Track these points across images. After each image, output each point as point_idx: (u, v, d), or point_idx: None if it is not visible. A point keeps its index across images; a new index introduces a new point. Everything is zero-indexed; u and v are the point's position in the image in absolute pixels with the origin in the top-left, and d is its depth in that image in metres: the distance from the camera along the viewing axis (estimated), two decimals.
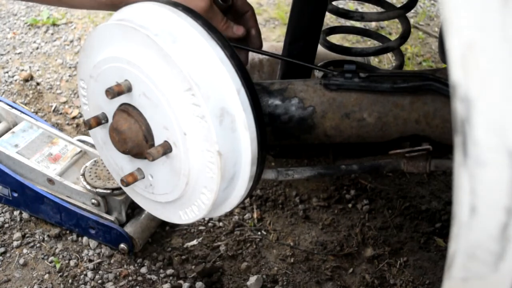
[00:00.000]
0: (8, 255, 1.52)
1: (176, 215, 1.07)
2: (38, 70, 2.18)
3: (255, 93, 0.95)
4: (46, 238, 1.57)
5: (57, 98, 2.06)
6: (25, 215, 1.62)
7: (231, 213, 1.66)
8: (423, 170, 1.21)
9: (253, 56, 1.70)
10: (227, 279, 1.49)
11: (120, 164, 1.09)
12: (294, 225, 1.64)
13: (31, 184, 1.56)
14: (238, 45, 1.20)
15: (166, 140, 0.96)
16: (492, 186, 0.53)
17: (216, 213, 1.08)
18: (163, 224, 1.60)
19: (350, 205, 1.70)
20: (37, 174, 1.56)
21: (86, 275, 1.48)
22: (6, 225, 1.60)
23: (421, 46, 2.44)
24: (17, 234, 1.56)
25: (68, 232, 1.58)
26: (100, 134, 1.11)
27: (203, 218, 1.51)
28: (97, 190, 1.49)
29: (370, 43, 2.37)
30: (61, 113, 1.99)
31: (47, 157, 1.59)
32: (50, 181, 1.55)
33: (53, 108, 2.01)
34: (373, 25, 2.52)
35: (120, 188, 1.46)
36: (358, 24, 2.24)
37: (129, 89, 0.97)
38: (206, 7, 1.06)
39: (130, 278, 1.48)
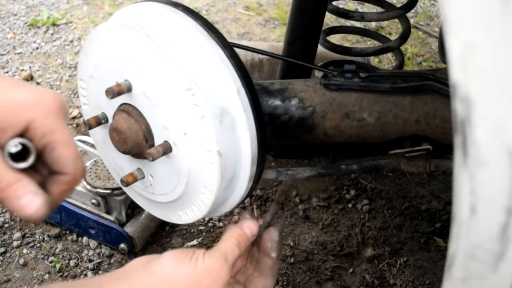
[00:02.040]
0: (8, 255, 1.52)
1: (176, 215, 1.07)
2: (38, 70, 2.18)
3: (255, 93, 0.95)
4: (46, 238, 1.56)
5: None
6: None
7: (231, 213, 1.66)
8: (423, 170, 1.21)
9: (253, 56, 1.70)
10: None
11: (120, 164, 1.09)
12: (294, 225, 1.64)
13: None
14: (238, 44, 1.20)
15: (166, 140, 0.96)
16: (492, 186, 0.53)
17: (216, 213, 1.08)
18: (163, 224, 1.60)
19: (350, 205, 1.70)
20: None
21: (86, 275, 1.48)
22: (6, 225, 1.60)
23: (421, 46, 2.44)
24: (17, 234, 1.56)
25: (68, 232, 1.58)
26: (100, 134, 1.11)
27: (203, 218, 1.51)
28: (97, 190, 1.49)
29: (370, 43, 2.37)
30: None
31: None
32: None
33: None
34: (373, 25, 2.52)
35: (120, 188, 1.46)
36: (358, 24, 2.24)
37: (129, 89, 0.97)
38: None
39: None
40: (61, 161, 0.70)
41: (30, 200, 0.66)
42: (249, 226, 0.92)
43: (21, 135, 0.67)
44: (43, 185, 0.72)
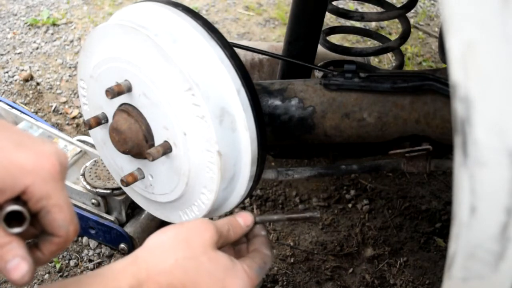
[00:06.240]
0: None
1: (176, 215, 1.08)
2: (38, 70, 2.18)
3: (255, 93, 0.95)
4: None
5: (57, 98, 2.06)
6: None
7: (231, 213, 1.66)
8: (423, 170, 1.21)
9: (253, 56, 1.70)
10: None
11: (120, 164, 1.09)
12: (294, 225, 1.64)
13: None
14: (238, 44, 1.20)
15: (166, 140, 0.96)
16: (492, 186, 0.53)
17: (216, 213, 1.08)
18: (163, 224, 1.60)
19: (350, 205, 1.70)
20: None
21: None
22: None
23: (421, 46, 2.44)
24: None
25: None
26: (100, 134, 1.11)
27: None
28: (97, 190, 1.48)
29: (370, 43, 2.37)
30: (61, 113, 1.99)
31: None
32: None
33: (53, 108, 2.01)
34: (373, 25, 2.52)
35: (120, 188, 1.46)
36: (358, 24, 2.24)
37: (129, 89, 0.97)
38: None
39: None
40: (54, 224, 0.71)
41: (17, 264, 0.67)
42: (242, 216, 0.91)
43: (18, 196, 0.69)
44: (36, 239, 0.74)
